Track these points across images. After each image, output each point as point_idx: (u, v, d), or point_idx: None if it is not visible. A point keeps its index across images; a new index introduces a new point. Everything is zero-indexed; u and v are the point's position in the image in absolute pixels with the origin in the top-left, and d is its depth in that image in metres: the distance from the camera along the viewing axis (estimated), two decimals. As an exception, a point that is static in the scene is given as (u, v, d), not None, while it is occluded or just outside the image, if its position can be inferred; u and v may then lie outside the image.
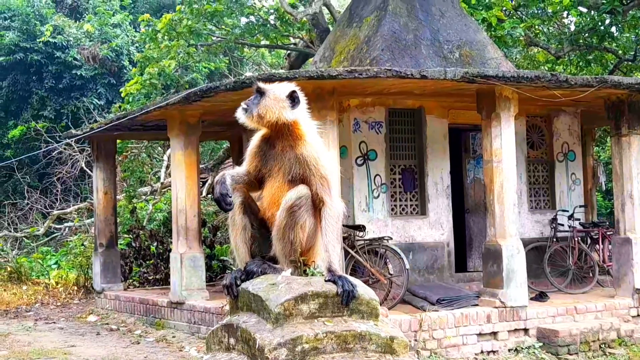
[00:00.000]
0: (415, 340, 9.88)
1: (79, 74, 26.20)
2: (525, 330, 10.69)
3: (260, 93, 4.74)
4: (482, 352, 10.35)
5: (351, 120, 11.86)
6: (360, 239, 11.30)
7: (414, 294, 11.29)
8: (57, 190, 22.31)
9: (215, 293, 12.84)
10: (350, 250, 11.05)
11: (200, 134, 12.50)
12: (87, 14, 28.82)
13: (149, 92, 17.36)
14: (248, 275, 4.63)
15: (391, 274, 11.06)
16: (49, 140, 21.21)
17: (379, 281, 11.05)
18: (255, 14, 19.47)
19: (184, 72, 22.12)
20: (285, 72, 9.81)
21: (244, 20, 20.84)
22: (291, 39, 21.12)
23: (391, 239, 11.41)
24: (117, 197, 16.61)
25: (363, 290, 4.33)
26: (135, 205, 18.70)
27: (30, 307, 15.28)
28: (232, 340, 4.32)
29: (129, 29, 28.11)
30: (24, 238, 22.02)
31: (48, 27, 25.90)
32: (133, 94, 17.59)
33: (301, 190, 4.55)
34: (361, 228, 11.35)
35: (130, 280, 15.75)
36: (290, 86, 4.80)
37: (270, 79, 9.45)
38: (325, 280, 4.33)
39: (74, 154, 21.31)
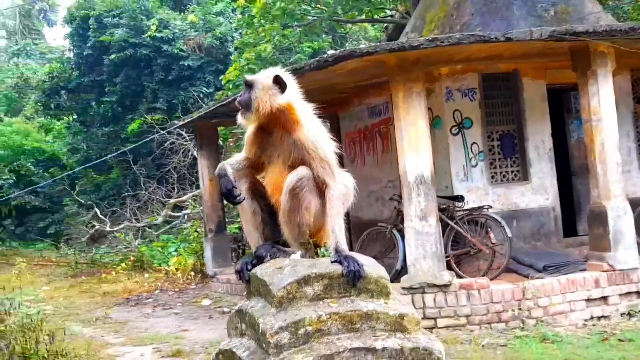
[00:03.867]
0: (520, 309, 9.68)
1: (186, 64, 26.92)
2: (638, 294, 10.26)
3: (249, 86, 4.57)
4: (591, 317, 10.01)
5: (443, 89, 11.63)
6: (460, 209, 11.12)
7: (519, 262, 11.04)
8: (173, 179, 23.08)
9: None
10: (449, 221, 10.91)
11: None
12: (190, 5, 29.53)
13: (247, 78, 17.53)
14: (259, 259, 4.61)
15: (493, 243, 10.83)
16: (161, 131, 21.91)
17: (480, 251, 10.87)
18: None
19: (288, 54, 22.31)
20: (365, 47, 9.72)
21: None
22: (387, 11, 20.91)
23: (491, 207, 11.15)
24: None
25: (371, 269, 4.23)
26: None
27: (151, 294, 15.87)
28: (243, 326, 4.34)
29: (232, 16, 28.61)
30: (145, 228, 22.92)
31: (153, 21, 26.72)
32: (232, 81, 17.89)
33: (301, 171, 4.45)
34: (459, 198, 11.17)
35: (243, 263, 16.08)
36: (275, 70, 4.70)
37: (350, 55, 9.43)
38: (332, 262, 4.23)
39: (185, 143, 21.95)
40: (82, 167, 25.32)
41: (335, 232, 4.37)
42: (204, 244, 15.53)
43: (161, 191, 23.12)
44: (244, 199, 4.61)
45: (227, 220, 16.41)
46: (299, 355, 3.80)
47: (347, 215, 14.04)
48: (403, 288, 9.85)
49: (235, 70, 17.79)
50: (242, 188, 4.66)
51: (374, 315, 4.04)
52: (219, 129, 15.85)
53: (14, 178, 29.09)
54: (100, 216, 23.64)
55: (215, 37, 27.01)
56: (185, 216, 22.56)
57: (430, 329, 9.66)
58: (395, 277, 10.42)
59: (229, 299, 13.96)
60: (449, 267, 10.47)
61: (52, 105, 30.63)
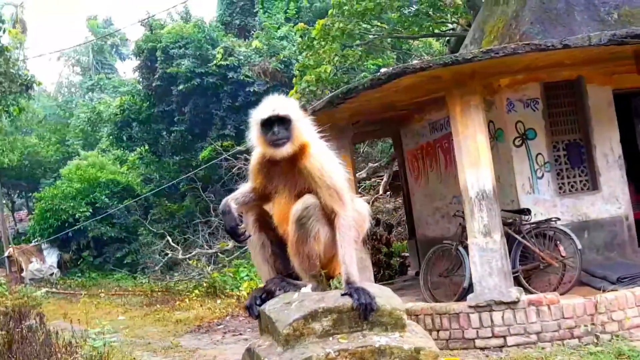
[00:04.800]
0: (593, 324, 9.32)
1: (252, 90, 27.15)
2: None
3: (285, 120, 4.36)
4: (672, 331, 9.56)
5: (504, 100, 11.35)
6: (526, 223, 10.81)
7: (592, 274, 10.64)
8: (242, 205, 23.20)
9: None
10: (516, 236, 10.60)
11: (358, 135, 12.47)
12: (254, 31, 29.86)
13: (309, 101, 17.61)
14: (269, 294, 4.44)
15: (563, 257, 10.48)
16: (229, 158, 22.13)
17: (550, 265, 10.52)
18: (406, 7, 19.22)
19: (352, 73, 22.27)
20: (418, 62, 9.57)
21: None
22: (449, 24, 20.69)
23: (559, 219, 10.80)
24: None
25: (385, 300, 4.02)
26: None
27: (222, 320, 15.90)
28: None
29: (295, 39, 28.80)
30: (218, 254, 23.10)
31: (219, 50, 27.08)
32: (294, 104, 17.89)
33: (307, 200, 4.27)
34: (526, 212, 10.86)
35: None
36: (294, 100, 4.57)
37: (403, 72, 9.31)
38: (342, 295, 4.03)
39: (252, 168, 22.09)
40: (150, 192, 25.74)
41: (346, 263, 4.18)
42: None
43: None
44: (249, 236, 4.48)
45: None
46: (306, 397, 3.61)
47: (413, 232, 13.86)
48: (470, 307, 9.62)
49: (296, 93, 17.84)
50: (249, 220, 4.54)
51: (387, 350, 3.84)
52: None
53: (91, 210, 29.76)
54: (173, 244, 23.93)
55: (280, 62, 27.21)
56: (255, 241, 22.59)
57: (500, 347, 9.41)
58: (463, 296, 10.19)
59: (298, 323, 13.84)
60: (518, 283, 10.18)
61: (125, 137, 31.33)
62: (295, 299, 4.12)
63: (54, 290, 25.52)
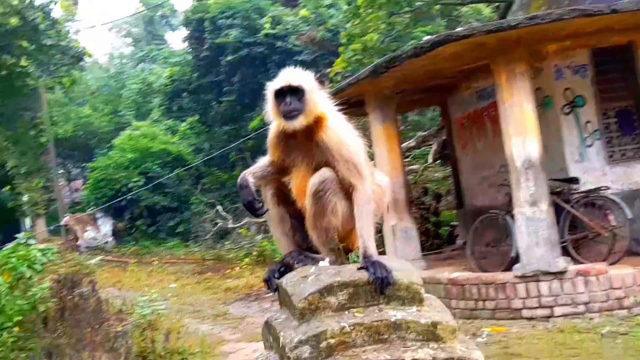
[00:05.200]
0: (643, 294, 9.18)
1: (300, 59, 27.08)
2: None
3: (298, 90, 4.26)
4: None
5: (552, 67, 11.14)
6: (575, 192, 10.63)
7: (643, 244, 10.46)
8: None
9: (437, 261, 12.77)
10: (565, 205, 10.44)
11: (404, 104, 12.37)
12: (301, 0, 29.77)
13: (355, 69, 17.50)
14: (287, 267, 4.40)
15: (613, 226, 10.29)
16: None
17: (599, 235, 10.36)
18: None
19: (400, 40, 22.04)
20: (462, 30, 9.44)
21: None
22: (498, -10, 20.32)
23: (608, 188, 10.60)
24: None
25: (402, 274, 3.93)
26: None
27: (270, 288, 16.01)
28: (270, 338, 4.15)
29: (343, 7, 28.61)
30: (267, 222, 23.28)
31: (267, 19, 27.05)
32: (341, 72, 17.84)
33: (324, 173, 4.19)
34: (574, 181, 10.69)
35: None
36: (309, 73, 4.50)
37: (447, 40, 9.19)
38: (358, 268, 3.98)
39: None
40: (201, 161, 25.93)
41: (364, 237, 4.12)
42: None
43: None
44: (267, 210, 4.42)
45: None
46: (320, 370, 3.57)
47: (462, 202, 13.71)
48: (516, 277, 9.55)
49: (343, 62, 17.75)
50: (267, 194, 4.50)
51: (403, 324, 3.75)
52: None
53: (144, 180, 30.14)
54: (223, 213, 24.16)
55: (328, 30, 27.08)
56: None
57: (547, 318, 9.33)
58: (511, 266, 10.08)
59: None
60: (567, 253, 10.04)
61: (175, 108, 31.59)
62: (312, 272, 4.04)
63: (108, 258, 26.00)
